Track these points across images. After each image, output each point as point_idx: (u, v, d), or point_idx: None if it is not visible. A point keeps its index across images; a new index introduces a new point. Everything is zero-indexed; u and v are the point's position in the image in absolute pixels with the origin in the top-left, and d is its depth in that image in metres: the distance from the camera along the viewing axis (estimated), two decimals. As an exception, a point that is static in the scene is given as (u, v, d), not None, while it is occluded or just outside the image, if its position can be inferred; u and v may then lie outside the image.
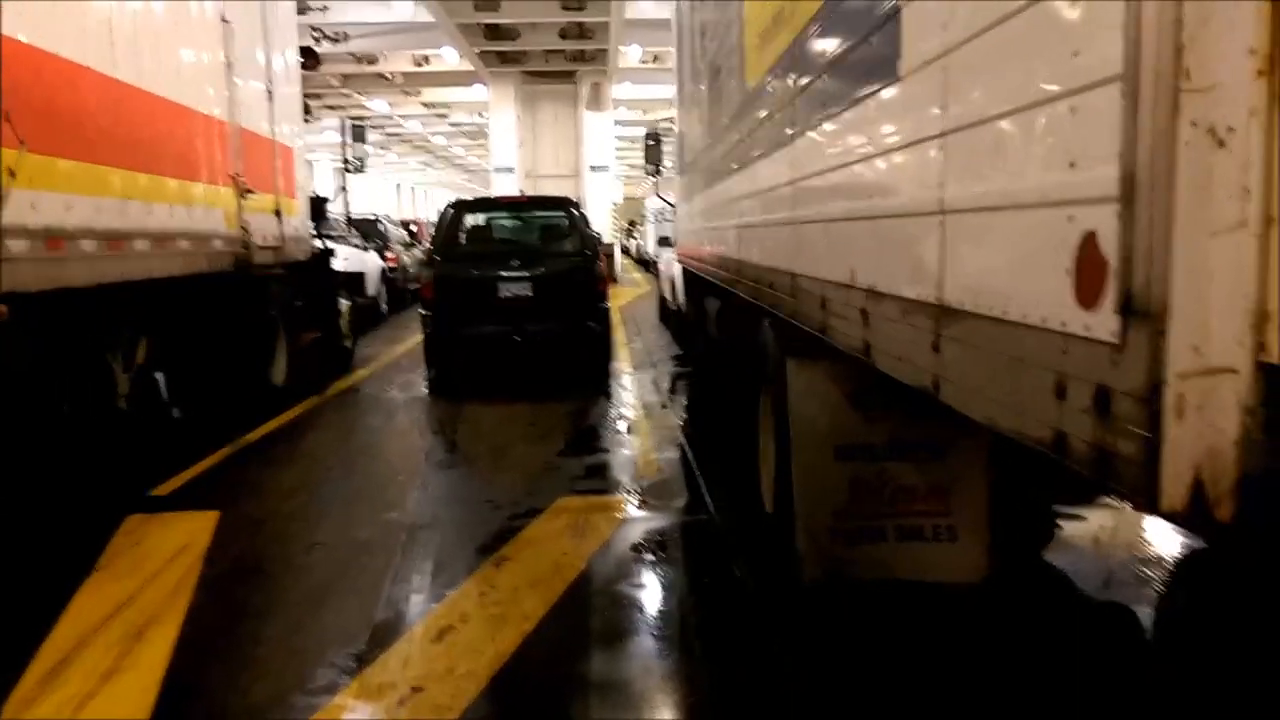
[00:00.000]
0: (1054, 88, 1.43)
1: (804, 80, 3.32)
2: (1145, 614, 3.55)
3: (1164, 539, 4.11)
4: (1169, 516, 1.19)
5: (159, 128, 5.57)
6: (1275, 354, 1.13)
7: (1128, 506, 4.11)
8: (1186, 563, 3.90)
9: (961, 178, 1.83)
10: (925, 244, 1.97)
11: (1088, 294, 1.33)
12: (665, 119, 12.25)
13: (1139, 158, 1.21)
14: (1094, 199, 1.30)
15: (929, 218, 1.95)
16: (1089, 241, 1.32)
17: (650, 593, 3.79)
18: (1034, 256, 1.50)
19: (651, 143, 11.51)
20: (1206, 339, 1.15)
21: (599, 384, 8.60)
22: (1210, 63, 1.12)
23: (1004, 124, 1.62)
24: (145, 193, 5.28)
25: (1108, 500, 4.18)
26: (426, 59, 22.87)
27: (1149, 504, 1.20)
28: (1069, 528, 4.29)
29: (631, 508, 4.85)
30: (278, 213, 7.72)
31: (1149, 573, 3.82)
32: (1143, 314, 1.21)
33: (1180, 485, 1.16)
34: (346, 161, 11.06)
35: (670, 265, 11.67)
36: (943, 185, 1.90)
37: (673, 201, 11.09)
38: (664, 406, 7.63)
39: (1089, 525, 4.32)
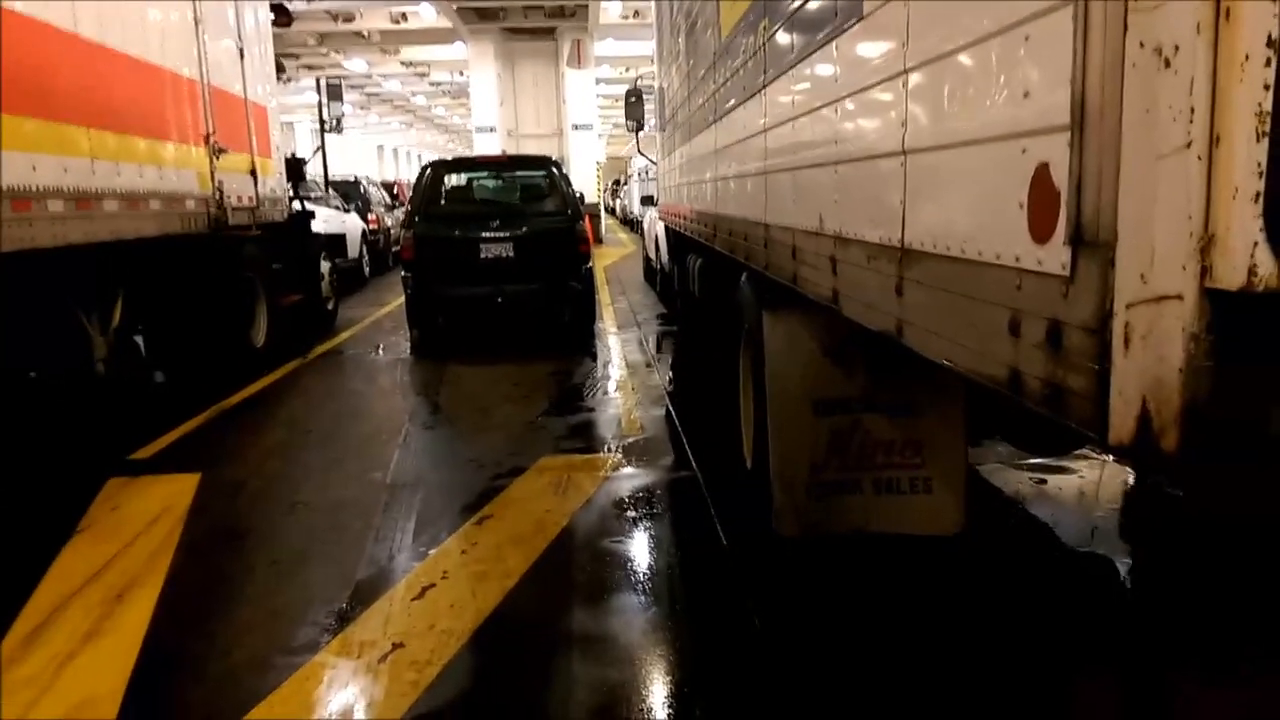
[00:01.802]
0: (1010, 17, 1.41)
1: (774, 24, 3.26)
2: (1123, 563, 3.58)
3: (1143, 490, 4.14)
4: (1118, 451, 1.17)
5: (125, 86, 5.45)
6: (1221, 278, 1.11)
7: (1109, 457, 4.13)
8: (1164, 512, 3.94)
9: (922, 116, 1.81)
10: (888, 186, 1.95)
11: (1041, 227, 1.31)
12: (648, 74, 12.11)
13: (1089, 83, 1.18)
14: (1047, 128, 1.28)
15: (892, 159, 1.93)
16: (1042, 173, 1.30)
17: (632, 549, 3.80)
18: (991, 192, 1.48)
19: (633, 99, 11.35)
20: (1153, 267, 1.13)
21: (583, 344, 8.57)
22: None
23: (963, 58, 1.60)
24: (113, 152, 5.18)
25: (1088, 452, 4.22)
26: (404, 16, 22.48)
27: (1099, 438, 1.18)
28: (1053, 480, 4.33)
29: (615, 466, 4.86)
30: (253, 173, 7.61)
31: (1127, 523, 3.85)
32: (1092, 244, 1.19)
33: (1128, 417, 1.15)
34: (323, 121, 10.88)
35: (654, 224, 11.60)
36: (904, 125, 1.87)
37: (655, 160, 10.99)
38: (648, 365, 7.62)
39: (1069, 477, 4.36)
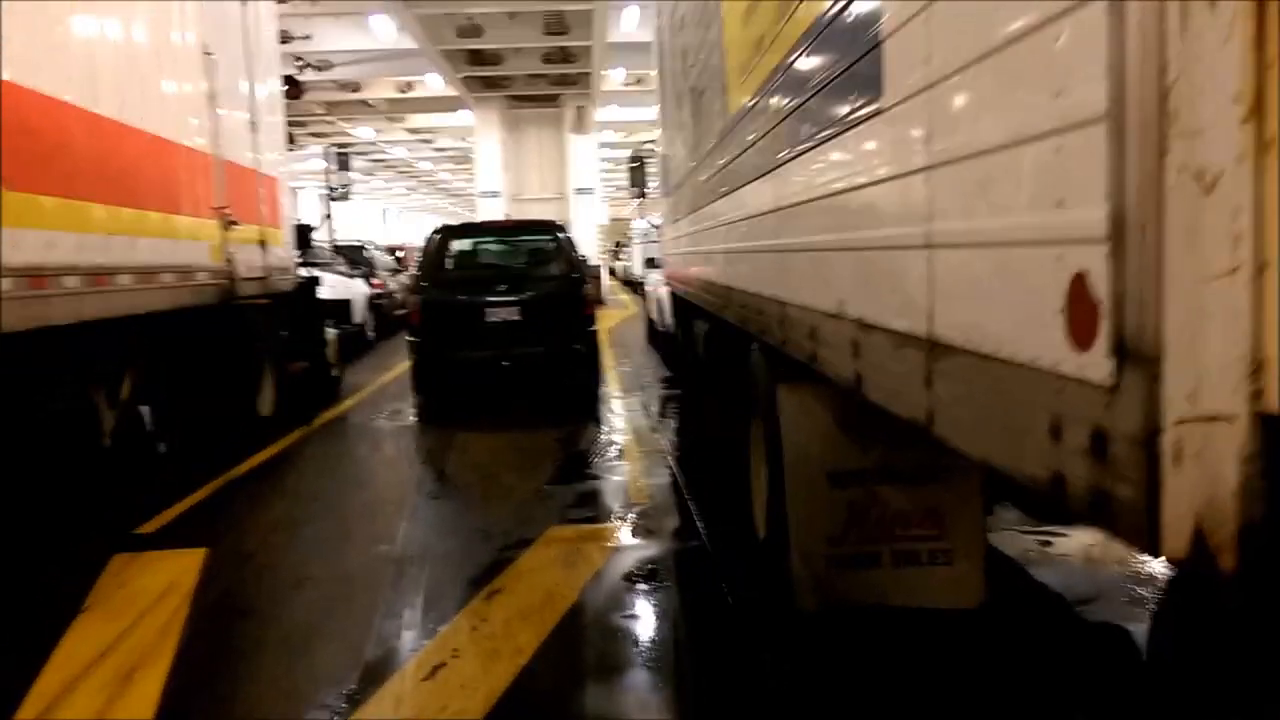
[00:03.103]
0: (1039, 126, 1.41)
1: (786, 107, 3.33)
2: (1139, 631, 3.54)
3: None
4: (1174, 564, 1.18)
5: (142, 162, 5.55)
6: (1272, 403, 1.11)
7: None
8: (1179, 580, 3.90)
9: (947, 212, 1.82)
10: (913, 277, 1.96)
11: (1080, 335, 1.31)
12: (649, 141, 12.36)
13: (1127, 199, 1.19)
14: (1083, 239, 1.29)
15: (916, 251, 1.94)
16: (1079, 282, 1.31)
17: (643, 623, 3.76)
18: (1024, 295, 1.48)
19: (635, 165, 11.56)
20: (1201, 386, 1.13)
21: (588, 408, 8.57)
22: (1196, 106, 1.11)
23: (990, 160, 1.61)
24: (128, 227, 5.25)
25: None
26: (410, 85, 22.96)
27: (1151, 550, 1.18)
28: (1060, 545, 4.30)
29: (623, 536, 4.82)
30: (262, 243, 7.70)
31: (1141, 590, 3.81)
32: (1137, 357, 1.20)
33: (1181, 533, 1.15)
34: (331, 189, 11.05)
35: (657, 287, 11.69)
36: (929, 219, 1.89)
37: (658, 224, 11.12)
38: (653, 431, 7.61)
39: (1080, 542, 4.32)
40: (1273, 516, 1.11)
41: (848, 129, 2.49)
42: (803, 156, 3.11)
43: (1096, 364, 1.28)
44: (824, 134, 2.78)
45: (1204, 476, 1.14)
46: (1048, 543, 4.30)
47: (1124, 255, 1.20)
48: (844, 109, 2.52)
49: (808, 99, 3.01)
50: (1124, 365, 1.22)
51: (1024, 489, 1.52)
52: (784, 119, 3.39)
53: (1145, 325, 1.17)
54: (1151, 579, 3.90)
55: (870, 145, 2.33)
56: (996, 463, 1.58)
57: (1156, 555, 1.17)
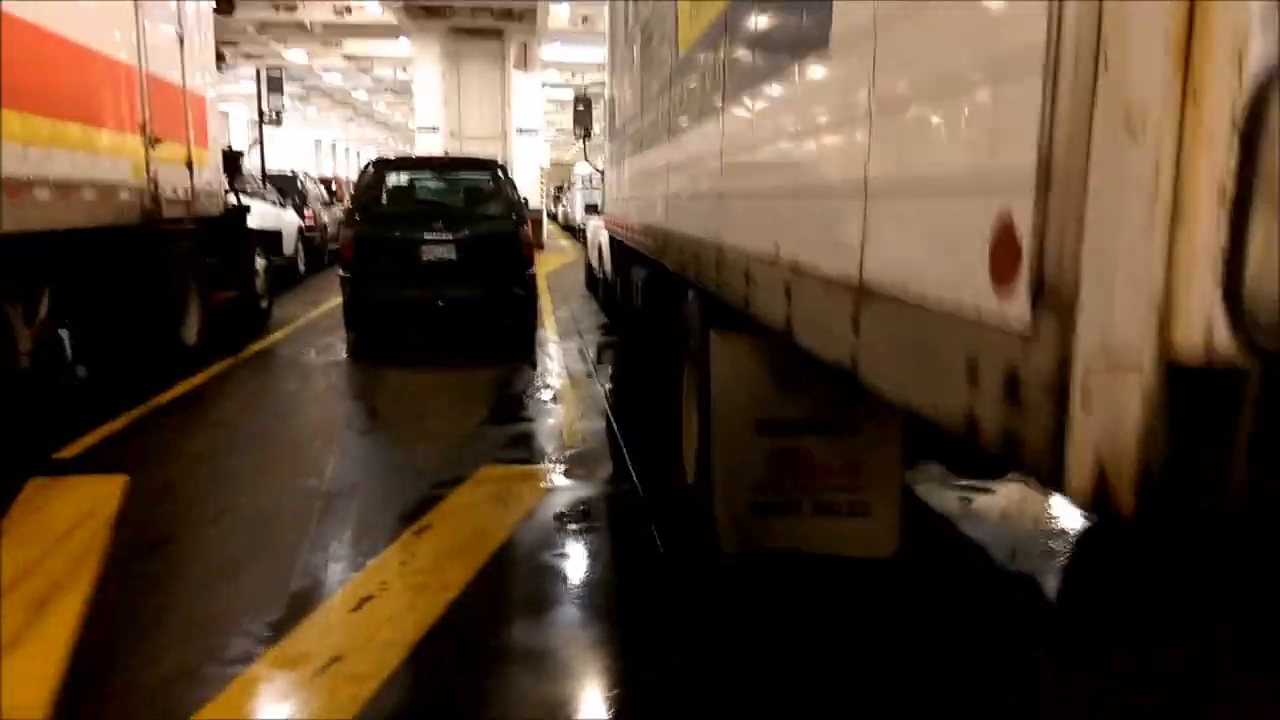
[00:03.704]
0: (979, 71, 1.44)
1: (735, 49, 3.30)
2: (1051, 584, 3.70)
3: (1069, 512, 4.29)
4: (1078, 504, 1.23)
5: (61, 70, 5.27)
6: (1179, 350, 1.15)
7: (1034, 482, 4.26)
8: (1090, 535, 4.09)
9: (885, 157, 1.84)
10: (848, 222, 1.98)
11: (1002, 281, 1.35)
12: (595, 83, 12.19)
13: (1056, 145, 1.22)
14: (1012, 185, 1.32)
15: (852, 196, 1.96)
16: (1005, 228, 1.34)
17: (573, 562, 3.80)
18: (952, 241, 1.51)
19: (581, 107, 11.37)
20: (1113, 332, 1.17)
21: (524, 351, 8.53)
22: (1128, 52, 1.13)
23: (929, 105, 1.63)
24: (46, 138, 5.00)
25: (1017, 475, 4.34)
26: (348, 9, 22.12)
27: (1056, 489, 1.24)
28: (978, 501, 4.45)
29: (555, 477, 4.85)
30: (189, 164, 7.42)
31: (1055, 545, 3.98)
32: (1054, 304, 1.23)
33: (1085, 474, 1.19)
34: (262, 113, 10.65)
35: (598, 233, 11.61)
36: (866, 164, 1.91)
37: (601, 168, 11.01)
38: (589, 375, 7.62)
39: (997, 499, 4.49)
40: (1171, 462, 1.16)
41: (793, 71, 2.48)
42: (747, 100, 3.10)
43: (1015, 310, 1.32)
44: (770, 76, 2.77)
45: (1109, 421, 1.18)
46: (969, 499, 4.45)
47: (1049, 202, 1.23)
48: (791, 49, 2.51)
49: (755, 40, 2.99)
50: (1041, 311, 1.26)
51: (942, 437, 1.57)
52: (731, 61, 3.37)
53: (1064, 272, 1.20)
54: (1064, 534, 4.08)
55: (815, 89, 2.33)
56: (915, 406, 1.63)
57: (1062, 494, 1.23)
